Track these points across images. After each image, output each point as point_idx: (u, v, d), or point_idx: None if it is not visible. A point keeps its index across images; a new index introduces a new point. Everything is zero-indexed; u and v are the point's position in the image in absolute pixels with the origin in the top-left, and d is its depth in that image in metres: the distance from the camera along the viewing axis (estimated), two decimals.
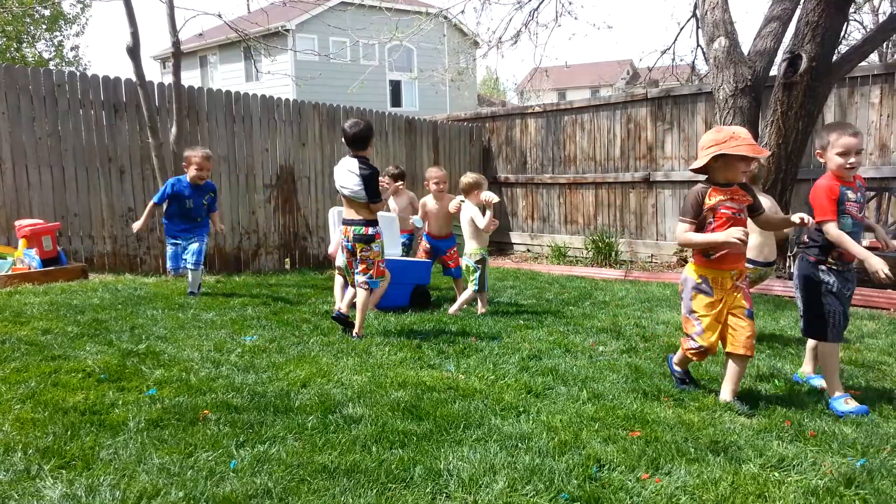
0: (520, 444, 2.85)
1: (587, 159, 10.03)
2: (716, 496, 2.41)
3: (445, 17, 13.30)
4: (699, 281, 3.49)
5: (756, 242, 4.61)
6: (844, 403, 3.34)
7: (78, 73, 7.31)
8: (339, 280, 5.83)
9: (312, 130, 8.90)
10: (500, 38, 11.70)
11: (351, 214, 4.78)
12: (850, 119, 7.59)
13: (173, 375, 3.66)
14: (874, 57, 13.73)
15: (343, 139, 4.83)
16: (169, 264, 6.15)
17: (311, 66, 19.01)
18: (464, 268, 5.86)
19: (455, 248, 6.31)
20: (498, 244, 10.85)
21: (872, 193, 7.32)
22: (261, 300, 5.96)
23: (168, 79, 7.48)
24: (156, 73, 29.34)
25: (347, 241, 4.78)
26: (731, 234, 3.26)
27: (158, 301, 5.64)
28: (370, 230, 4.74)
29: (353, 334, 4.67)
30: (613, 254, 9.17)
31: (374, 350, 4.34)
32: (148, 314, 5.12)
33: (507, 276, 8.24)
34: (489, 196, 5.47)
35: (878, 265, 3.27)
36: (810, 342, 3.77)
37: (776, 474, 2.60)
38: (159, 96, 7.52)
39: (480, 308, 5.78)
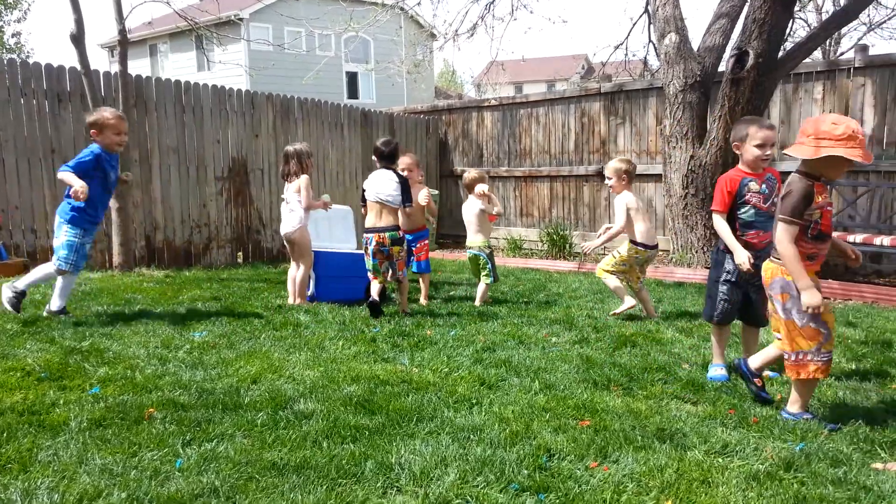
0: (472, 436, 2.86)
1: (542, 153, 10.11)
2: (661, 482, 2.46)
3: (402, 9, 13.21)
4: None
5: (644, 228, 5.20)
6: (714, 370, 3.82)
7: (19, 61, 7.04)
8: (292, 272, 5.75)
9: (266, 122, 8.75)
10: (456, 31, 11.70)
11: (384, 221, 5.25)
12: (794, 114, 7.83)
13: (118, 373, 3.56)
14: (818, 54, 14.19)
15: (375, 155, 5.46)
16: (76, 260, 4.70)
17: (266, 57, 18.68)
18: (470, 258, 6.07)
19: (427, 241, 6.22)
20: (454, 237, 10.86)
21: None
22: (211, 295, 5.84)
23: (116, 67, 7.24)
24: (103, 62, 28.45)
25: (384, 246, 5.23)
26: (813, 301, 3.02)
27: (104, 296, 5.48)
28: (401, 233, 5.32)
29: (402, 311, 5.34)
30: (568, 246, 9.28)
31: (327, 344, 4.30)
32: (93, 310, 4.97)
33: (464, 268, 8.24)
34: (484, 188, 5.89)
35: (742, 258, 3.54)
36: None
37: (720, 460, 2.66)
38: (105, 85, 7.28)
39: (479, 300, 5.95)
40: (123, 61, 7.08)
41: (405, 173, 6.03)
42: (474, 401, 3.31)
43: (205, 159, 8.12)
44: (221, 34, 11.16)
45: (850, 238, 6.65)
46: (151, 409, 3.06)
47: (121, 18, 7.00)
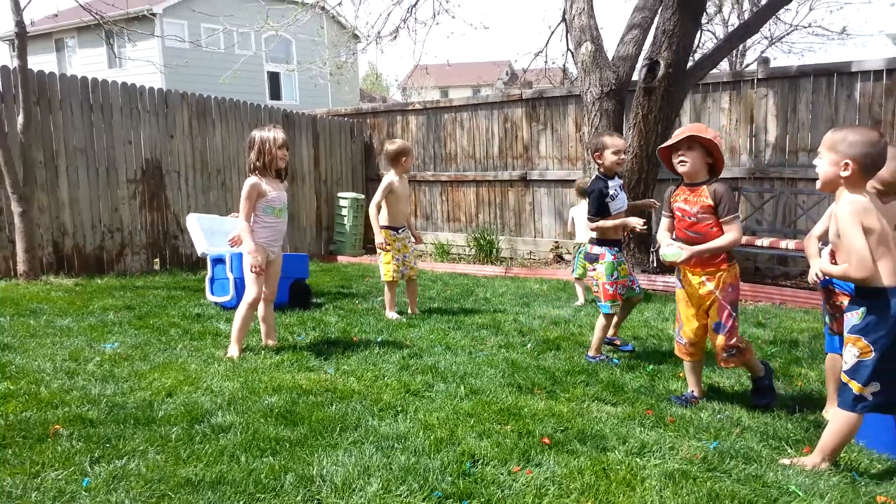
0: (396, 445, 2.83)
1: (467, 157, 10.19)
2: (581, 484, 2.51)
3: (322, 8, 13.02)
4: None
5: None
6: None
7: None
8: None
9: (181, 122, 8.43)
10: (378, 33, 11.63)
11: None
12: (702, 123, 8.18)
13: (20, 388, 3.35)
14: (725, 66, 14.93)
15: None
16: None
17: (182, 54, 18.01)
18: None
19: None
20: None
21: None
22: (124, 304, 5.57)
23: (16, 62, 6.80)
24: (3, 56, 26.75)
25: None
26: None
27: (7, 307, 5.14)
28: None
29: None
30: (494, 251, 9.39)
31: (248, 354, 4.17)
32: None
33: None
34: None
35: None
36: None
37: (638, 460, 2.74)
38: (3, 81, 6.83)
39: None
40: (23, 55, 6.68)
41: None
42: (399, 408, 3.28)
43: (115, 161, 7.74)
44: (132, 30, 10.65)
45: (758, 242, 7.00)
46: (57, 426, 2.88)
47: (18, 9, 6.60)
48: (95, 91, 7.60)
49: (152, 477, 2.47)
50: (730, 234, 3.31)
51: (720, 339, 3.38)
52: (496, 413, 3.23)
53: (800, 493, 2.46)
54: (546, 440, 2.90)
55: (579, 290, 6.35)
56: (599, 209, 4.21)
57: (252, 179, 4.20)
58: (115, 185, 7.73)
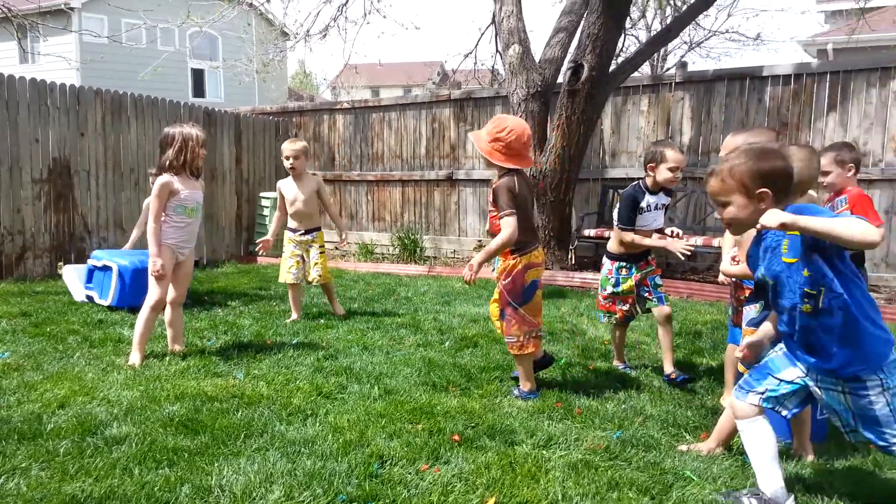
0: (303, 449, 2.76)
1: (394, 157, 10.13)
2: (488, 479, 2.50)
3: (250, 5, 12.74)
4: None
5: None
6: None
7: None
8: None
9: (94, 119, 8.05)
10: (308, 31, 11.45)
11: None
12: (623, 125, 8.39)
13: None
14: (647, 69, 15.41)
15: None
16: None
17: (101, 50, 17.27)
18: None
19: None
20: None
21: None
22: (20, 311, 5.25)
23: None
24: None
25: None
26: None
27: None
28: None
29: None
30: (419, 250, 9.36)
31: (151, 361, 3.99)
32: None
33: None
34: None
35: None
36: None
37: (544, 452, 2.76)
38: None
39: None
40: None
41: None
42: (309, 412, 3.21)
43: (20, 160, 7.31)
44: (45, 24, 10.12)
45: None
46: None
47: None
48: (1, 87, 7.17)
49: (32, 496, 2.32)
50: (501, 232, 3.37)
51: (503, 325, 3.54)
52: (409, 412, 3.19)
53: (694, 477, 2.53)
54: (456, 437, 2.89)
55: None
56: (629, 219, 3.80)
57: (164, 178, 4.06)
58: (18, 186, 7.30)
